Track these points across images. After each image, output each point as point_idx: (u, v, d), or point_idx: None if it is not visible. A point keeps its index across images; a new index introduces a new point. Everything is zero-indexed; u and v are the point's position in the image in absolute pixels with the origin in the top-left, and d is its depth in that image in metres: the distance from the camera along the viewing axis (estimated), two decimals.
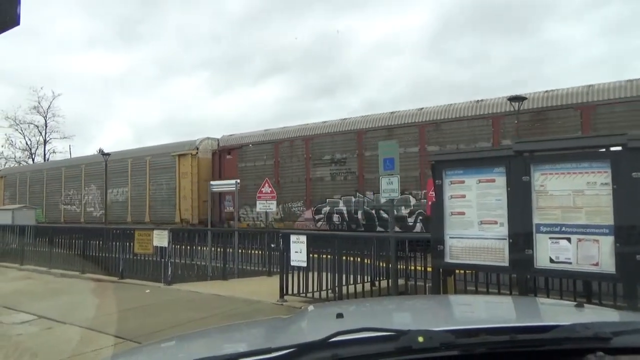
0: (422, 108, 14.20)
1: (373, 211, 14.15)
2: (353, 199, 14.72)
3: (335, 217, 15.14)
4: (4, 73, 54.79)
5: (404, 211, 13.55)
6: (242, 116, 58.78)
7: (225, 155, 17.94)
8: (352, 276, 7.14)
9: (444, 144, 12.93)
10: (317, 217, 15.64)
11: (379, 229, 13.63)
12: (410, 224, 13.49)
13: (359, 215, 14.56)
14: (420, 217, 13.22)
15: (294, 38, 60.02)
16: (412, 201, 13.38)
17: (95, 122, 64.39)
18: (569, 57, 46.66)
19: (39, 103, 40.10)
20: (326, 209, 15.32)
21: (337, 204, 14.97)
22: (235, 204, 13.56)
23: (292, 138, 16.51)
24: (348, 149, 14.94)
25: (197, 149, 18.50)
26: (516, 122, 11.76)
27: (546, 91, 12.14)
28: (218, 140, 18.92)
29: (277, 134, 17.17)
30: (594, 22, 45.68)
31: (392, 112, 14.80)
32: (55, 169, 25.45)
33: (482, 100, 13.22)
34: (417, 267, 7.12)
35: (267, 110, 58.50)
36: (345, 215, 14.92)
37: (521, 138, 11.22)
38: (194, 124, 58.40)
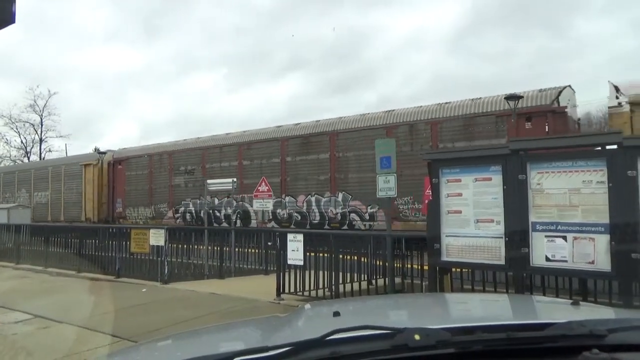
0: (245, 131, 18.47)
1: (211, 211, 17.66)
2: (198, 201, 18.25)
3: (188, 216, 18.81)
4: (16, 68, 53.79)
5: (229, 210, 17.19)
6: (257, 113, 58.31)
7: (117, 166, 21.60)
8: (348, 274, 7.15)
9: (252, 159, 17.05)
10: (176, 215, 19.21)
11: (215, 224, 17.05)
12: (234, 220, 16.88)
13: (202, 214, 17.73)
14: (239, 215, 16.91)
15: (291, 35, 59.84)
16: (234, 203, 16.98)
17: (105, 119, 62.99)
18: (597, 52, 46.49)
19: (35, 101, 39.92)
20: (182, 209, 19.08)
21: (189, 205, 18.81)
22: (232, 201, 14.88)
23: (160, 153, 20.23)
24: (196, 163, 18.80)
25: (99, 160, 22.17)
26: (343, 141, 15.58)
27: (316, 121, 16.46)
28: (113, 152, 22.69)
29: (152, 149, 21.07)
30: (623, 17, 45.38)
31: (226, 134, 18.93)
32: None
33: (280, 126, 17.39)
34: (414, 266, 7.13)
35: (281, 107, 58.02)
36: (194, 214, 18.56)
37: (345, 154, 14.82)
38: (207, 122, 57.49)
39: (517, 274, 4.96)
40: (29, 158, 40.60)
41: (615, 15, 44.81)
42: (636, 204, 4.04)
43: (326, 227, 14.63)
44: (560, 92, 12.02)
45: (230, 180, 13.35)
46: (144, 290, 8.40)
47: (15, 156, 41.22)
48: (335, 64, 59.43)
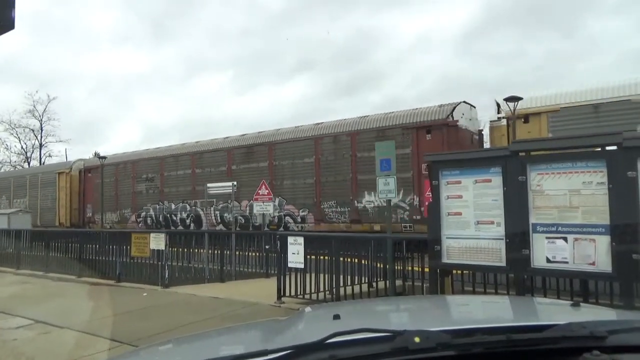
0: (198, 141, 20.44)
1: (169, 215, 19.64)
2: (157, 207, 20.15)
3: (149, 220, 20.42)
4: (20, 73, 53.52)
5: (184, 214, 19.11)
6: (264, 115, 58.22)
7: (88, 174, 23.36)
8: (349, 277, 7.14)
9: (204, 167, 18.81)
10: (138, 219, 20.80)
11: (172, 227, 18.92)
12: (189, 223, 19.00)
13: (161, 218, 19.94)
14: (192, 218, 18.78)
15: (286, 39, 60.00)
16: (188, 207, 18.99)
17: (109, 123, 62.84)
18: (604, 52, 46.31)
19: (34, 107, 39.98)
20: (143, 213, 20.71)
21: (149, 210, 20.52)
22: (232, 203, 15.11)
23: (125, 162, 22.08)
24: (155, 171, 20.54)
25: (71, 168, 23.88)
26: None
27: (258, 132, 18.23)
28: (84, 161, 24.70)
29: (118, 158, 22.92)
30: (631, 17, 45.33)
31: (182, 144, 20.95)
32: None
33: (228, 137, 19.11)
34: (415, 268, 7.13)
35: (288, 109, 57.84)
36: (154, 218, 20.19)
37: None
38: (213, 125, 57.18)
39: (518, 275, 4.95)
40: (29, 163, 40.65)
41: (624, 15, 44.79)
42: (636, 205, 4.04)
43: (265, 228, 15.58)
44: (454, 108, 13.42)
45: (230, 183, 13.46)
46: (144, 294, 8.39)
47: (15, 161, 41.31)
48: (343, 66, 59.69)
